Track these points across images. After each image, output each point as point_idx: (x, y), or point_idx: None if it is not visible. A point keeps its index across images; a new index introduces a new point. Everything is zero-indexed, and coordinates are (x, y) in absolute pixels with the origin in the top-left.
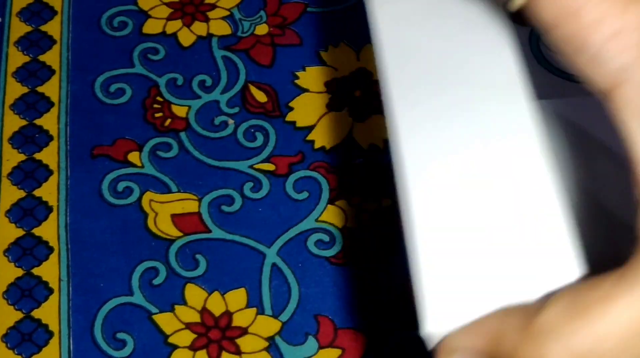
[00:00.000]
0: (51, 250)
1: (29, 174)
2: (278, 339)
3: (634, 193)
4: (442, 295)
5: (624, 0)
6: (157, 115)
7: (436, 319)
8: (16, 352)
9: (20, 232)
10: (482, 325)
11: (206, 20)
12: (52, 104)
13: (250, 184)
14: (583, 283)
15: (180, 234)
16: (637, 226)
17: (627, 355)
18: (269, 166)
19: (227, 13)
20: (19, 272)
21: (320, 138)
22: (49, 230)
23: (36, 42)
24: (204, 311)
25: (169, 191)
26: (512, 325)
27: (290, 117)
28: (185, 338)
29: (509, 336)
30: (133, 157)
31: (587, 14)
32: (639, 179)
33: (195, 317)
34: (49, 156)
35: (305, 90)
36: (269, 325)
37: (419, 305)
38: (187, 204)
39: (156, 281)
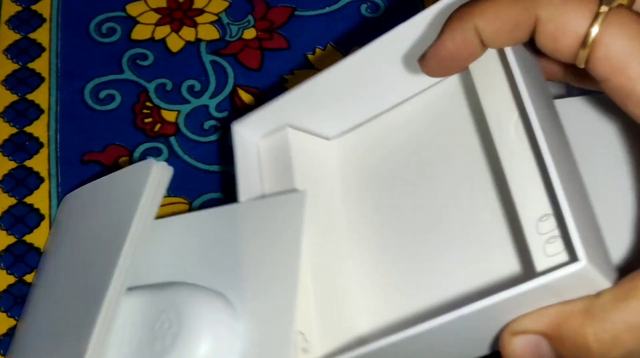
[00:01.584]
0: None
1: (20, 182)
2: None
3: None
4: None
5: None
6: (146, 120)
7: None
8: None
9: (11, 239)
10: (543, 312)
11: (194, 25)
12: (41, 112)
13: None
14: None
15: None
16: None
17: None
18: None
19: (215, 18)
20: (11, 279)
21: None
22: (40, 237)
23: (25, 50)
24: None
25: None
26: (573, 309)
27: None
28: None
29: (572, 318)
30: (123, 162)
31: (632, 70)
32: None
33: None
34: (39, 163)
35: None
36: None
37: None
38: (177, 208)
39: None
